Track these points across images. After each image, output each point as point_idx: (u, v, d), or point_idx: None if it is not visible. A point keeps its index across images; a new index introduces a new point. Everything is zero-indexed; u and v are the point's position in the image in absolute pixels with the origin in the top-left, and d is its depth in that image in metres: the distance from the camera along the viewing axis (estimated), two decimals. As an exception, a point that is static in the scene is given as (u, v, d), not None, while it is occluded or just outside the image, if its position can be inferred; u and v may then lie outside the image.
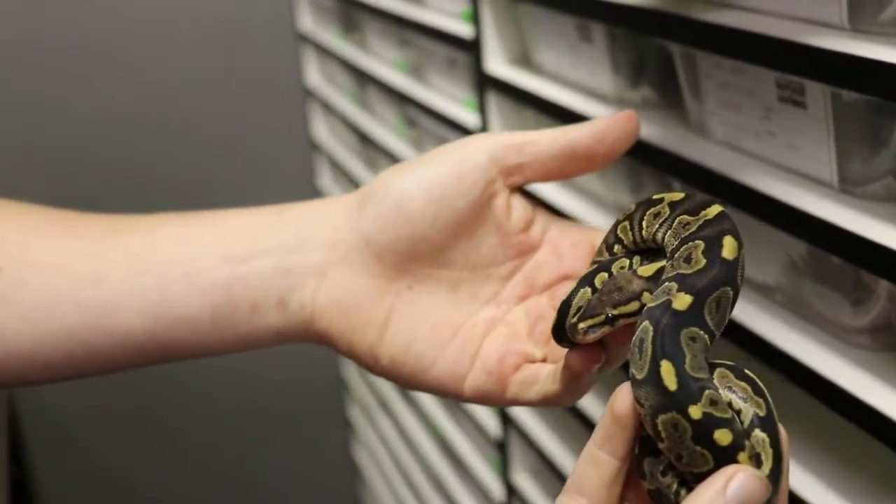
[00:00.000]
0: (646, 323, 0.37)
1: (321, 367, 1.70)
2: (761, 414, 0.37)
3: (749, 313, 0.57)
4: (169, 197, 1.53)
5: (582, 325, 0.41)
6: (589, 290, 0.44)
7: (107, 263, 0.50)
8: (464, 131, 0.93)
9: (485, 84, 0.86)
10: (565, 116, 0.72)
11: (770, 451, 0.36)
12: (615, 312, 0.41)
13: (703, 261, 0.39)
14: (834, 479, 0.54)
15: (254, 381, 1.71)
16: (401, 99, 1.12)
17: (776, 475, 0.36)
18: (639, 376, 0.37)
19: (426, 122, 1.07)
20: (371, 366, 0.51)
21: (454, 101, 0.98)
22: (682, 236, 0.41)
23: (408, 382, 0.51)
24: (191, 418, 1.75)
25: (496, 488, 1.07)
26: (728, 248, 0.39)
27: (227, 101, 1.58)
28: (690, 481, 0.36)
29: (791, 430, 0.57)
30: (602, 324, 0.41)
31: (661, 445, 0.36)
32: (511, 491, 1.03)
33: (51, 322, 0.49)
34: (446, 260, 0.50)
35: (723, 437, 0.35)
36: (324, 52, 1.46)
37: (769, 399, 0.38)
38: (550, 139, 0.49)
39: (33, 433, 1.67)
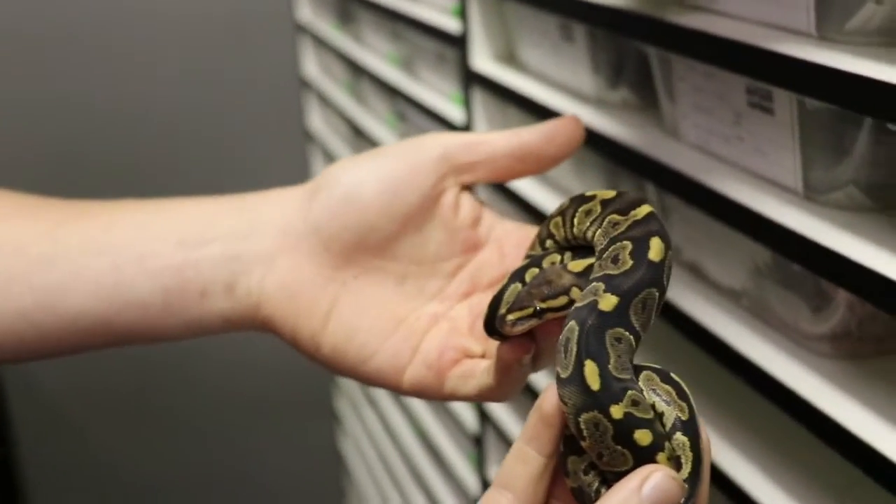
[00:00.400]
0: (572, 323, 0.38)
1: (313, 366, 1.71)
2: (683, 417, 0.37)
3: (712, 316, 0.58)
4: (162, 183, 1.54)
5: (510, 317, 0.41)
6: (519, 284, 0.44)
7: (62, 246, 0.51)
8: (450, 126, 0.93)
9: (470, 80, 0.87)
10: (546, 116, 0.73)
11: (690, 454, 0.37)
12: (543, 306, 0.41)
13: (630, 262, 0.39)
14: (787, 481, 0.54)
15: (244, 372, 1.72)
16: (392, 92, 1.12)
17: (695, 478, 0.37)
18: (563, 375, 0.37)
19: (415, 116, 1.07)
20: (312, 353, 0.52)
21: (442, 97, 0.99)
22: (612, 236, 0.42)
23: (348, 372, 0.51)
24: (181, 406, 1.76)
25: (472, 481, 1.07)
26: (654, 249, 0.39)
27: (225, 89, 1.58)
28: (611, 480, 0.37)
29: (746, 431, 0.58)
30: (530, 316, 0.41)
31: (583, 444, 0.37)
32: (486, 484, 1.03)
33: (5, 303, 0.50)
34: (394, 253, 0.51)
35: (643, 437, 0.36)
36: (321, 43, 1.46)
37: (692, 403, 0.38)
38: (504, 140, 0.51)
39: (21, 413, 1.68)
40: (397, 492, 1.41)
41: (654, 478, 0.35)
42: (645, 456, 0.36)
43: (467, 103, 0.88)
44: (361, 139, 1.33)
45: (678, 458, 0.37)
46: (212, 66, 1.57)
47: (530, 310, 0.41)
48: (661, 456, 0.36)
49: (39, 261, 0.50)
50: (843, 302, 0.51)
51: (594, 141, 0.66)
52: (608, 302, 0.38)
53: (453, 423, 1.12)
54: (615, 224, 0.42)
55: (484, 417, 0.99)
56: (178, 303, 0.51)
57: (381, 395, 1.43)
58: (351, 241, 0.50)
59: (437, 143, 0.50)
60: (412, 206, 0.50)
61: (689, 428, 0.37)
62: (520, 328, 0.42)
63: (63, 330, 0.51)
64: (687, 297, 0.60)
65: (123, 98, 1.53)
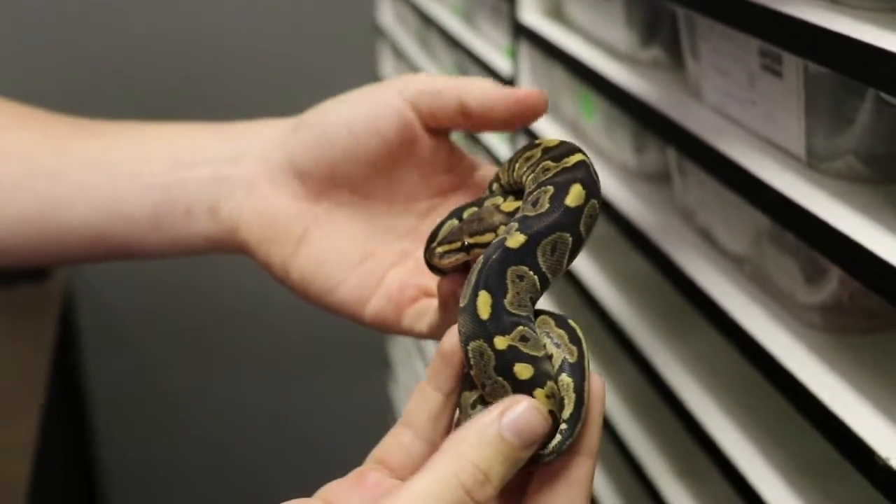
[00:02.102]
0: (480, 257, 0.38)
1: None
2: (571, 360, 0.38)
3: (711, 279, 0.57)
4: (226, 119, 1.57)
5: (439, 249, 0.43)
6: (456, 221, 0.45)
7: (66, 161, 0.54)
8: (498, 79, 0.93)
9: (518, 33, 0.86)
10: (582, 73, 0.72)
11: (573, 395, 0.37)
12: (471, 241, 0.42)
13: (547, 206, 0.39)
14: (769, 451, 0.54)
15: (307, 318, 1.75)
16: (453, 42, 1.13)
17: (575, 420, 0.36)
18: (461, 304, 0.38)
19: (471, 68, 1.08)
20: (282, 279, 0.53)
21: (496, 49, 0.98)
22: (540, 180, 0.42)
23: (315, 300, 0.53)
24: (242, 346, 1.81)
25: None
26: (573, 195, 0.40)
27: (299, 32, 1.60)
28: None
29: (736, 398, 0.57)
30: (458, 250, 0.42)
31: (471, 373, 0.37)
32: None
33: (11, 209, 0.53)
34: (366, 191, 0.52)
35: (522, 370, 0.36)
36: (396, -9, 1.46)
37: (584, 349, 0.38)
38: (452, 91, 0.49)
39: (89, 329, 1.75)
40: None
41: (517, 408, 0.34)
42: (522, 389, 0.36)
43: (515, 56, 0.88)
44: (426, 90, 1.33)
45: (562, 399, 0.37)
46: (289, 8, 1.59)
47: (458, 244, 0.42)
48: (539, 392, 0.36)
49: (45, 173, 0.53)
50: (836, 274, 0.50)
51: (621, 99, 0.66)
52: (515, 240, 0.38)
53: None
54: (546, 170, 0.42)
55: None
56: (166, 219, 0.53)
57: (430, 347, 1.45)
58: (323, 177, 0.52)
59: (396, 90, 0.50)
60: (376, 152, 0.51)
61: (575, 371, 0.37)
62: (448, 261, 0.43)
63: (62, 239, 0.54)
64: (692, 260, 0.59)
65: (196, 27, 1.57)
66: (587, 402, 0.37)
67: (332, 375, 1.83)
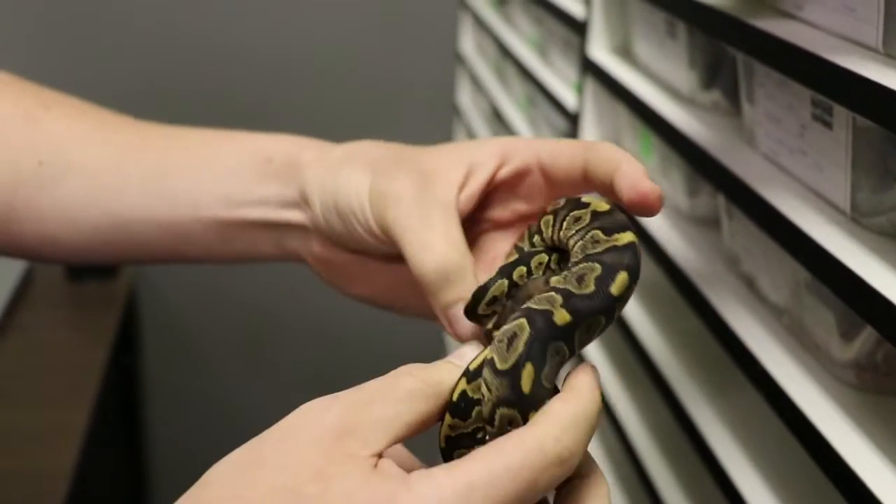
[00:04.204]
0: (523, 321, 0.38)
1: (424, 324, 1.74)
2: None
3: (746, 326, 0.56)
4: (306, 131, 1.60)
5: (485, 311, 0.44)
6: (506, 281, 0.44)
7: (127, 179, 0.55)
8: (565, 114, 0.93)
9: (586, 68, 0.86)
10: (640, 111, 0.72)
11: None
12: None
13: (592, 287, 0.39)
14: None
15: (370, 338, 1.77)
16: (525, 75, 1.13)
17: None
18: (500, 367, 0.37)
19: (540, 102, 1.08)
20: (350, 298, 0.57)
21: (565, 83, 0.99)
22: (588, 252, 0.41)
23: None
24: (300, 360, 1.83)
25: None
26: (618, 284, 0.39)
27: (382, 53, 1.63)
28: None
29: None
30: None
31: (487, 428, 0.38)
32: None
33: (83, 217, 0.55)
34: None
35: None
36: (478, 21, 1.48)
37: None
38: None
39: (150, 333, 1.79)
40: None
41: (582, 379, 0.38)
42: None
43: (581, 91, 0.88)
44: (498, 121, 1.34)
45: None
46: (375, 30, 1.62)
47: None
48: None
49: (110, 190, 0.55)
50: (871, 332, 0.49)
51: (675, 140, 0.65)
52: (562, 317, 0.38)
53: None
54: (595, 241, 0.42)
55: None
56: (232, 243, 0.56)
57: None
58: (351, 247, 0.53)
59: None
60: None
61: None
62: (490, 323, 0.44)
63: (130, 245, 0.57)
64: (730, 307, 0.59)
65: (292, 48, 1.61)
66: None
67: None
